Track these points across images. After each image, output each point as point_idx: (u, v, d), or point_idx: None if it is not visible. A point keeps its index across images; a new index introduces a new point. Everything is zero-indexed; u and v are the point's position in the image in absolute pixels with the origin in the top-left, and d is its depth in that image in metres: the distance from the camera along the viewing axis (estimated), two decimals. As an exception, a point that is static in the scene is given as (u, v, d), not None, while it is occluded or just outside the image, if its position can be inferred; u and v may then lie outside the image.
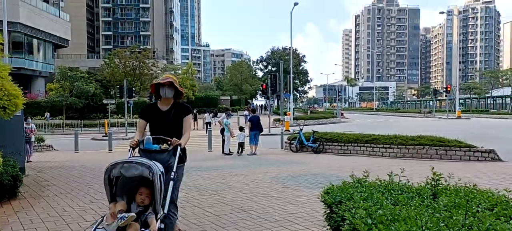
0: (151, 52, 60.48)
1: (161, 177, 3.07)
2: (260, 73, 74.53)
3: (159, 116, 3.86)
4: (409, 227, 2.58)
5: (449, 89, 44.19)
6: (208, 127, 25.39)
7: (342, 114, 45.89)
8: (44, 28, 50.33)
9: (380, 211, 2.91)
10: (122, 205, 3.08)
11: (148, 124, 3.96)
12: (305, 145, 14.05)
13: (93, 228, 2.93)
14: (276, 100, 57.50)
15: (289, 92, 37.40)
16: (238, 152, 13.73)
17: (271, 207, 5.62)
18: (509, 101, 52.34)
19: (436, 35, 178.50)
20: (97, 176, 8.99)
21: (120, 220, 2.86)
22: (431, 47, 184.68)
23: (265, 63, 75.12)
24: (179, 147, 3.55)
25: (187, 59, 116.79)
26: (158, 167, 3.07)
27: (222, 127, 14.27)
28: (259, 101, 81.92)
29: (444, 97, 64.46)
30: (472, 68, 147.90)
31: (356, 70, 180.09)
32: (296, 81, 68.90)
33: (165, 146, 3.56)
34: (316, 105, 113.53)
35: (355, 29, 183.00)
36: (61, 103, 38.98)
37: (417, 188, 3.91)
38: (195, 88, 53.22)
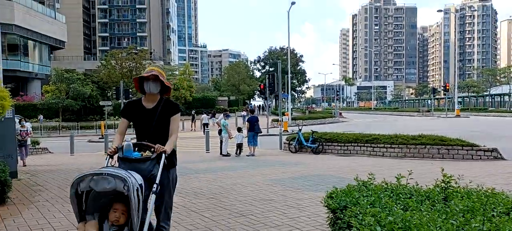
0: (148, 53, 60.15)
1: (140, 190, 2.65)
2: (257, 74, 74.33)
3: (144, 115, 3.36)
4: (423, 235, 2.36)
5: (447, 87, 44.08)
6: (206, 127, 25.14)
7: (340, 114, 45.73)
8: (40, 30, 49.96)
9: (390, 217, 2.68)
10: (93, 226, 2.70)
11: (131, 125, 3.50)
12: (304, 145, 13.84)
13: None
14: (274, 100, 57.30)
15: (287, 92, 37.20)
16: (236, 153, 13.50)
17: (270, 211, 5.39)
18: (508, 99, 52.30)
19: (433, 34, 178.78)
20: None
21: None
22: (429, 46, 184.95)
23: (262, 64, 74.95)
24: (164, 155, 3.06)
25: (184, 60, 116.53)
26: (135, 179, 2.66)
27: (220, 128, 14.04)
28: (257, 101, 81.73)
29: (443, 96, 64.44)
30: (470, 66, 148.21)
31: (354, 70, 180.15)
32: (294, 81, 68.75)
33: (147, 153, 3.08)
34: (314, 105, 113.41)
35: (353, 29, 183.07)
36: (57, 106, 38.65)
37: (426, 191, 3.68)
38: (193, 89, 52.93)
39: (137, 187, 2.62)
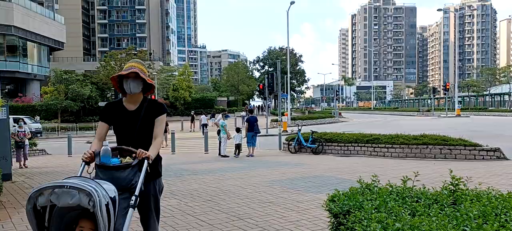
0: (148, 54, 59.99)
1: (111, 205, 2.24)
2: (257, 74, 74.11)
3: (126, 118, 2.96)
4: (435, 244, 2.17)
5: (447, 87, 43.91)
6: (205, 128, 24.94)
7: (340, 114, 45.56)
8: (39, 31, 49.78)
9: (397, 224, 2.49)
10: None
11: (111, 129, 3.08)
12: (304, 145, 13.66)
13: None
14: (273, 100, 57.13)
15: (286, 92, 37.01)
16: (235, 154, 13.31)
17: (269, 214, 5.20)
18: (508, 99, 52.15)
19: (433, 34, 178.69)
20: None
21: None
22: (428, 46, 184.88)
23: (262, 64, 74.73)
24: (146, 161, 2.64)
25: (184, 60, 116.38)
26: (105, 192, 2.25)
27: (219, 128, 13.85)
28: (256, 102, 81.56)
29: (442, 96, 64.28)
30: (469, 66, 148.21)
31: (353, 70, 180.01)
32: (293, 81, 68.56)
33: (128, 159, 2.68)
34: (313, 105, 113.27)
35: (352, 29, 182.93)
36: (56, 107, 38.45)
37: (433, 194, 3.49)
38: (192, 90, 52.78)
39: (107, 201, 2.22)
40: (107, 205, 2.22)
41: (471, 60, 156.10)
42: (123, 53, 48.88)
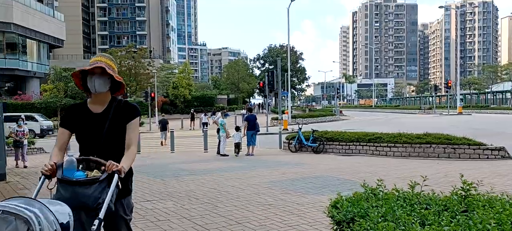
0: (148, 52, 59.77)
1: None
2: (257, 72, 73.87)
3: (90, 122, 2.52)
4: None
5: (449, 84, 43.63)
6: (205, 126, 24.73)
7: (341, 112, 45.31)
8: (38, 28, 49.54)
9: (407, 235, 2.29)
10: None
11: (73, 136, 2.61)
12: (304, 144, 13.45)
13: None
14: (273, 98, 56.89)
15: (287, 90, 36.78)
16: (234, 153, 13.11)
17: (269, 218, 4.99)
18: (510, 97, 51.86)
19: (434, 31, 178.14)
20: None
21: None
22: (429, 43, 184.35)
23: (262, 61, 74.45)
24: (117, 176, 2.22)
25: (184, 58, 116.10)
26: (55, 218, 1.86)
27: (218, 126, 13.66)
28: (257, 100, 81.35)
29: (444, 94, 63.99)
30: (471, 63, 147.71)
31: (354, 67, 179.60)
32: (294, 79, 68.29)
33: (95, 173, 2.26)
34: (314, 103, 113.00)
35: (353, 26, 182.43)
36: (56, 105, 38.24)
37: (443, 199, 3.28)
38: (192, 88, 52.57)
39: (56, 229, 1.84)
40: None
41: (473, 57, 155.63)
42: (123, 51, 48.66)
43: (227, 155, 12.97)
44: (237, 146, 13.18)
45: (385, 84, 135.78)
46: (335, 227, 3.23)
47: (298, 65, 72.33)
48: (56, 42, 55.51)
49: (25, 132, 13.17)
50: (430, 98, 67.59)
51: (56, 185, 2.23)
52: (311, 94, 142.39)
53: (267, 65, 70.96)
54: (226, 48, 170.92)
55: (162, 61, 71.72)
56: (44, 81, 46.31)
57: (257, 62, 75.61)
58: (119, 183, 2.25)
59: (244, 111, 35.14)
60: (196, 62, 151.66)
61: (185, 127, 31.91)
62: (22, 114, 27.84)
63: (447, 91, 46.23)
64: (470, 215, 2.92)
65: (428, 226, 2.58)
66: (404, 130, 12.69)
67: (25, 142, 13.23)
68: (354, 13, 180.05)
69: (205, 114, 28.26)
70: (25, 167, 12.30)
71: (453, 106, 44.68)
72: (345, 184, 7.22)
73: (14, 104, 38.78)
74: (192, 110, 33.96)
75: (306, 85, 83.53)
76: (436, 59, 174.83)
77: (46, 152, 17.77)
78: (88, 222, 2.13)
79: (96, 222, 2.07)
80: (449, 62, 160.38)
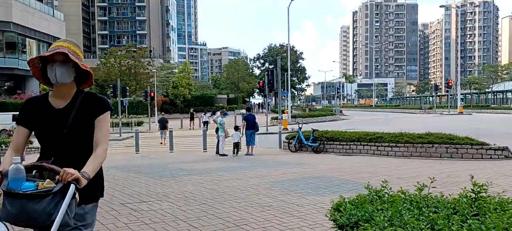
0: (148, 51, 59.59)
1: None
2: (257, 71, 73.70)
3: (50, 118, 2.14)
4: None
5: (450, 84, 43.46)
6: (205, 126, 24.57)
7: (341, 111, 45.14)
8: (38, 28, 49.36)
9: (417, 242, 2.12)
10: None
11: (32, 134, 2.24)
12: (304, 144, 13.28)
13: None
14: (273, 98, 56.71)
15: (287, 90, 36.60)
16: (233, 153, 12.95)
17: (268, 220, 4.82)
18: (511, 96, 51.69)
19: (434, 31, 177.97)
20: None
21: None
22: (430, 43, 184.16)
23: (262, 61, 74.29)
24: (73, 186, 1.83)
25: (184, 58, 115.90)
26: None
27: (217, 125, 13.49)
28: (257, 99, 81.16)
29: (444, 93, 63.77)
30: (471, 63, 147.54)
31: (354, 67, 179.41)
32: (294, 78, 68.13)
33: (47, 183, 1.86)
34: (314, 103, 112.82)
35: (353, 26, 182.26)
36: (54, 104, 38.07)
37: (451, 202, 3.11)
38: (192, 87, 52.41)
39: None
40: None
41: (473, 57, 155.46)
42: (123, 50, 48.49)
43: (226, 155, 12.80)
44: (236, 146, 13.02)
45: (385, 84, 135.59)
46: (337, 231, 3.06)
47: (298, 64, 72.17)
48: (56, 41, 55.38)
49: None
50: (431, 98, 67.41)
51: (2, 198, 1.84)
52: (311, 94, 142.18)
53: (267, 64, 70.79)
54: (226, 48, 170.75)
55: (162, 60, 71.56)
56: (43, 81, 46.07)
57: (257, 61, 75.45)
58: (77, 195, 1.85)
59: (243, 111, 34.95)
60: (196, 62, 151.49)
61: (184, 126, 31.74)
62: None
63: (447, 91, 46.05)
64: (481, 219, 2.75)
65: (439, 232, 2.41)
66: (405, 130, 12.51)
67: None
68: (354, 13, 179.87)
69: (205, 114, 28.12)
70: None
71: (453, 106, 44.51)
72: (346, 184, 7.05)
73: (13, 104, 38.56)
74: (191, 110, 33.78)
75: (306, 85, 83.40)
76: (436, 59, 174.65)
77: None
78: None
79: None
80: (449, 62, 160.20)
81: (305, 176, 7.98)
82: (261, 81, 26.36)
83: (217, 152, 13.14)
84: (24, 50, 48.31)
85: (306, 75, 75.33)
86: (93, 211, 2.17)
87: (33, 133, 2.21)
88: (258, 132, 14.47)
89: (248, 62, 79.43)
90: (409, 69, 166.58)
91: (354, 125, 26.88)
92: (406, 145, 11.23)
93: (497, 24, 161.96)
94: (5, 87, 46.75)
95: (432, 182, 3.19)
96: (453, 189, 6.16)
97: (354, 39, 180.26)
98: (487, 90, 64.16)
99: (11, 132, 12.18)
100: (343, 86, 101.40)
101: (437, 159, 10.58)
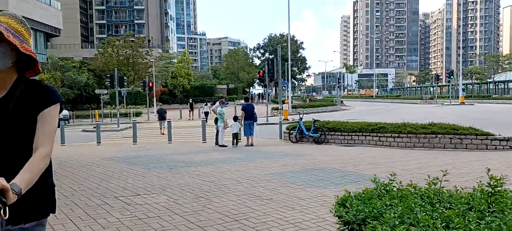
0: (146, 41, 59.06)
1: None
2: (257, 61, 73.21)
3: None
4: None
5: (452, 73, 43.11)
6: (206, 116, 24.33)
7: (341, 102, 44.87)
8: (34, 17, 48.70)
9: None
10: None
11: None
12: (305, 135, 13.06)
13: None
14: (274, 88, 56.37)
15: (287, 80, 36.29)
16: (233, 144, 12.73)
17: (268, 213, 4.61)
18: (512, 86, 51.38)
19: (435, 20, 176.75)
20: (68, 176, 7.96)
21: None
22: (430, 33, 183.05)
23: (262, 51, 73.74)
24: (4, 198, 1.38)
25: (183, 48, 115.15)
26: None
27: (216, 116, 13.25)
28: (257, 90, 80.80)
29: (445, 84, 63.43)
30: (472, 53, 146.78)
31: (355, 57, 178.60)
32: (294, 68, 67.70)
33: None
34: (314, 93, 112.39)
35: (354, 15, 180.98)
36: (53, 94, 37.84)
37: (465, 197, 2.88)
38: (191, 77, 52.04)
39: None
40: None
41: (474, 47, 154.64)
42: (121, 40, 48.02)
43: (226, 146, 12.59)
44: (235, 137, 12.80)
45: (386, 75, 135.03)
46: (343, 228, 2.84)
47: (299, 54, 71.66)
48: (53, 31, 54.72)
49: None
50: (431, 89, 67.03)
51: None
52: (312, 84, 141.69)
53: (267, 54, 70.26)
54: (226, 37, 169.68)
55: (161, 50, 71.02)
56: (41, 71, 45.83)
57: (257, 51, 74.93)
58: (5, 211, 1.37)
59: (243, 101, 34.67)
60: (195, 52, 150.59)
61: (184, 117, 31.51)
62: None
63: (448, 81, 45.76)
64: (499, 215, 2.53)
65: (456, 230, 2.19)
66: (406, 120, 12.29)
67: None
68: (354, 2, 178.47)
69: (206, 104, 27.85)
70: None
71: (454, 96, 44.21)
72: (348, 176, 6.85)
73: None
74: (190, 100, 33.51)
75: (306, 75, 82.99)
76: (437, 49, 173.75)
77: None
78: None
79: None
80: (450, 52, 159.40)
81: (306, 168, 7.78)
82: (261, 71, 26.01)
83: (217, 143, 12.92)
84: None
85: (307, 66, 74.88)
86: (43, 229, 1.73)
87: None
88: (258, 123, 14.22)
89: (248, 52, 78.88)
90: (410, 60, 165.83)
91: (355, 115, 26.64)
92: (409, 136, 11.02)
93: (499, 13, 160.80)
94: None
95: (444, 175, 2.96)
96: (459, 181, 5.95)
97: (355, 29, 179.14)
98: (488, 80, 63.77)
99: None
100: (343, 77, 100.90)
101: (441, 149, 10.37)
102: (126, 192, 5.93)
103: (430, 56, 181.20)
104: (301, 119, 13.57)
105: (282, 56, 35.35)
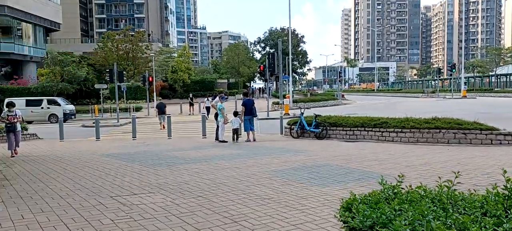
0: (146, 35, 58.65)
1: None
2: (258, 55, 72.80)
3: None
4: None
5: (455, 66, 42.77)
6: (207, 112, 24.13)
7: (343, 96, 44.60)
8: (34, 11, 48.44)
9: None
10: None
11: None
12: (307, 130, 12.87)
13: None
14: (274, 83, 56.07)
15: (288, 74, 36.01)
16: (233, 139, 12.54)
17: (269, 214, 4.43)
18: (514, 79, 51.00)
19: (436, 14, 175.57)
20: (63, 174, 7.78)
21: None
22: (432, 26, 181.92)
23: (263, 45, 73.29)
24: None
25: (183, 42, 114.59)
26: None
27: (216, 111, 13.05)
28: (258, 84, 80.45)
29: (447, 77, 63.01)
30: (474, 46, 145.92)
31: (356, 51, 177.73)
32: (295, 62, 67.31)
33: None
34: (315, 88, 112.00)
35: (355, 9, 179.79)
36: (52, 89, 37.56)
37: (479, 200, 2.70)
38: (191, 72, 51.73)
39: None
40: None
41: (476, 40, 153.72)
42: (121, 34, 47.65)
43: (226, 142, 12.40)
44: (235, 132, 12.61)
45: (387, 68, 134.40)
46: (348, 234, 2.66)
47: (300, 48, 71.21)
48: (52, 25, 54.44)
49: (17, 116, 12.12)
50: (433, 82, 66.67)
51: None
52: (313, 78, 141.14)
53: (268, 48, 69.84)
54: (226, 31, 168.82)
55: (161, 44, 70.64)
56: (41, 65, 45.55)
57: (258, 45, 74.46)
58: None
59: (242, 95, 34.42)
60: (195, 46, 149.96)
61: (184, 111, 31.31)
62: (45, 99, 27.80)
63: (450, 75, 45.41)
64: (518, 222, 2.35)
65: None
66: (408, 114, 12.08)
67: (19, 127, 12.40)
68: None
69: (207, 99, 27.61)
70: (16, 153, 11.41)
71: (456, 89, 43.89)
72: (351, 173, 6.66)
73: (10, 89, 38.07)
74: (190, 95, 33.26)
75: (307, 69, 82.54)
76: (438, 42, 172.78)
77: (40, 138, 17.23)
78: None
79: None
80: (452, 45, 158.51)
81: (308, 164, 7.60)
82: (262, 66, 25.74)
83: (217, 139, 12.74)
84: (20, 34, 47.56)
85: (308, 59, 74.42)
86: None
87: None
88: (259, 118, 14.02)
89: (249, 46, 78.42)
90: (411, 53, 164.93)
91: (357, 109, 26.44)
92: (412, 131, 10.82)
93: (500, 6, 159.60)
94: (1, 72, 46.17)
95: (456, 177, 2.76)
96: (466, 179, 5.76)
97: (356, 22, 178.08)
98: (490, 73, 63.36)
99: (4, 120, 11.54)
100: (344, 71, 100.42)
101: (445, 144, 10.18)
102: (122, 190, 5.76)
103: (431, 49, 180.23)
104: (302, 113, 13.37)
105: (283, 50, 35.09)
